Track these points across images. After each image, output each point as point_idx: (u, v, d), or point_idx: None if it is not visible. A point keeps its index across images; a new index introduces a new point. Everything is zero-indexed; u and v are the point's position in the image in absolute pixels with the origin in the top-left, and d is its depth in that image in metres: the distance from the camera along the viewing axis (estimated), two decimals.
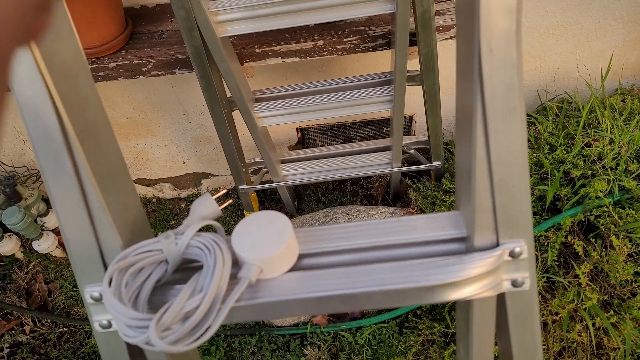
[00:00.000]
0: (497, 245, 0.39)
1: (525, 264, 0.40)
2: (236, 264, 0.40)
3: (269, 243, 0.38)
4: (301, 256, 0.41)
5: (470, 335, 0.45)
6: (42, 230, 1.46)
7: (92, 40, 0.95)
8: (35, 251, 1.47)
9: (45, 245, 1.44)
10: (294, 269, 0.40)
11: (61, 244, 1.52)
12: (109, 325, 0.40)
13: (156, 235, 0.40)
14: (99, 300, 0.39)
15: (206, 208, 0.42)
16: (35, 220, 1.43)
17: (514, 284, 0.40)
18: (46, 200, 1.51)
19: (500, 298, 0.42)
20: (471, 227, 0.39)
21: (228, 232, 0.39)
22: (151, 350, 0.36)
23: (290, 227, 0.39)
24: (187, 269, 0.41)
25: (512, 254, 0.39)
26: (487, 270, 0.38)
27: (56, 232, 1.51)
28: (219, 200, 0.43)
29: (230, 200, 0.45)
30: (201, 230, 0.40)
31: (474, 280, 0.39)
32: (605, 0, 1.21)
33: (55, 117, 0.35)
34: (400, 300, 0.38)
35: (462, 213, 0.42)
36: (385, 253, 0.41)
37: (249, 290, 0.38)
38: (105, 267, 0.40)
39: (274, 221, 0.40)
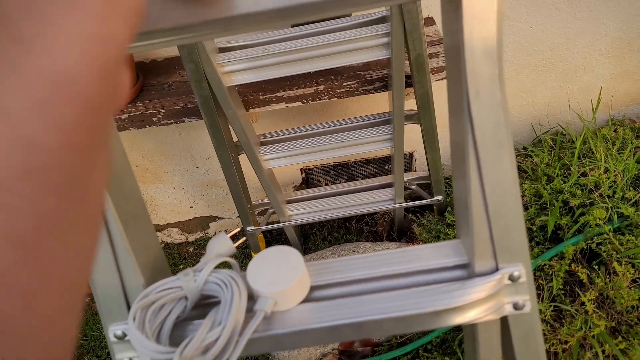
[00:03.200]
0: (497, 270, 0.41)
1: (525, 287, 0.42)
2: (252, 298, 0.42)
3: (282, 277, 0.41)
4: (313, 288, 0.43)
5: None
6: None
7: None
8: None
9: None
10: (306, 300, 0.42)
11: None
12: None
13: (175, 273, 0.43)
14: (121, 338, 0.41)
15: (221, 246, 0.45)
16: None
17: (516, 306, 0.42)
18: None
19: (504, 321, 0.44)
20: (471, 254, 0.42)
21: (242, 270, 0.42)
22: None
23: (302, 261, 0.42)
24: (204, 305, 0.44)
25: (512, 278, 0.41)
26: (489, 294, 0.41)
27: None
28: (234, 239, 0.46)
29: (244, 238, 0.48)
30: (217, 267, 0.43)
31: (476, 304, 0.41)
32: (590, 37, 1.28)
33: None
34: (408, 326, 0.41)
35: (463, 241, 0.44)
36: (392, 282, 0.43)
37: (264, 322, 0.40)
38: (129, 306, 0.42)
39: (287, 256, 0.43)
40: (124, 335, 0.42)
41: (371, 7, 0.36)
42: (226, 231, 0.45)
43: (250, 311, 0.41)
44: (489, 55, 0.35)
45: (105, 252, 0.41)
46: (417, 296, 0.41)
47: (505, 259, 0.41)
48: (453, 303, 0.40)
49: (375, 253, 0.45)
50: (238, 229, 0.44)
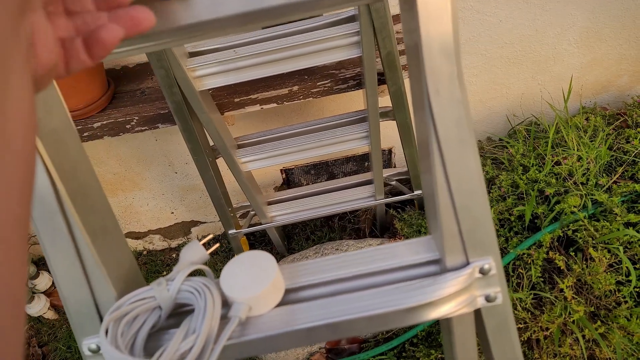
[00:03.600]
0: (468, 264, 0.42)
1: (496, 279, 0.43)
2: (226, 304, 0.42)
3: (255, 282, 0.41)
4: (287, 291, 0.43)
5: (454, 352, 0.47)
6: (34, 293, 1.45)
7: (77, 103, 0.99)
8: (28, 315, 1.46)
9: (37, 308, 1.43)
10: (281, 303, 0.42)
11: (53, 306, 1.50)
12: None
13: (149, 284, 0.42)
14: (96, 352, 0.41)
15: (194, 254, 0.45)
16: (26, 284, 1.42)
17: (488, 299, 0.43)
18: (36, 263, 1.50)
19: (478, 314, 0.44)
20: (442, 249, 0.42)
21: (218, 276, 0.42)
22: None
23: (275, 264, 0.42)
24: (179, 313, 0.43)
25: (482, 271, 0.42)
26: (461, 288, 0.41)
27: (47, 294, 1.50)
28: (207, 246, 0.45)
29: (217, 245, 0.48)
30: (191, 274, 0.42)
31: (449, 299, 0.41)
32: (559, 28, 1.30)
33: (48, 181, 0.38)
34: (383, 324, 0.41)
35: (434, 237, 0.45)
36: (365, 281, 0.44)
37: (239, 328, 0.40)
38: (101, 319, 0.42)
39: (259, 260, 0.43)
40: (99, 348, 0.42)
41: (334, 9, 0.36)
42: (199, 239, 0.44)
43: (224, 318, 0.41)
44: (446, 54, 0.35)
45: (74, 267, 0.40)
46: (390, 294, 0.41)
47: (475, 253, 0.42)
48: (426, 299, 0.40)
49: (348, 253, 0.45)
50: (211, 236, 0.44)
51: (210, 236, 0.48)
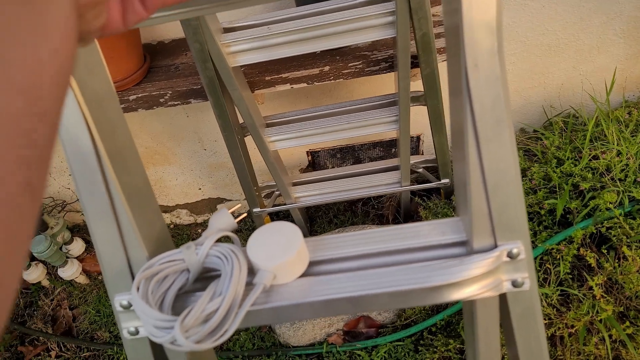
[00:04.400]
0: (495, 247, 0.41)
1: (524, 264, 0.42)
2: (251, 272, 0.43)
3: (281, 251, 0.41)
4: (311, 263, 0.44)
5: (476, 337, 0.47)
6: (67, 257, 1.51)
7: (114, 75, 1.01)
8: (61, 278, 1.52)
9: (70, 272, 1.49)
10: (305, 274, 0.43)
11: (85, 271, 1.57)
12: (136, 332, 0.43)
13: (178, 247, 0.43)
14: (127, 308, 0.43)
15: (223, 221, 0.45)
16: (60, 248, 1.48)
17: (514, 284, 0.42)
18: (71, 229, 1.56)
19: (503, 299, 0.44)
20: (470, 231, 0.42)
21: (244, 246, 0.42)
22: (175, 350, 0.39)
23: (300, 235, 0.42)
24: (206, 278, 0.45)
25: (510, 255, 0.41)
26: (487, 270, 0.41)
27: (80, 259, 1.56)
28: (235, 215, 0.46)
29: (245, 215, 0.49)
30: (219, 241, 0.43)
31: (474, 281, 0.41)
32: (605, 16, 1.24)
33: (90, 141, 0.39)
34: (405, 301, 0.41)
35: (462, 219, 0.44)
36: (390, 258, 0.44)
37: (263, 295, 0.41)
38: (133, 277, 0.43)
39: (285, 231, 0.43)
40: (130, 305, 0.43)
41: None
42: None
43: (249, 284, 0.41)
44: (488, 27, 0.34)
45: (110, 225, 0.42)
46: (414, 272, 0.41)
47: (504, 236, 0.41)
48: (450, 279, 0.40)
49: (374, 230, 0.45)
50: (239, 205, 0.45)
51: (239, 205, 0.49)
